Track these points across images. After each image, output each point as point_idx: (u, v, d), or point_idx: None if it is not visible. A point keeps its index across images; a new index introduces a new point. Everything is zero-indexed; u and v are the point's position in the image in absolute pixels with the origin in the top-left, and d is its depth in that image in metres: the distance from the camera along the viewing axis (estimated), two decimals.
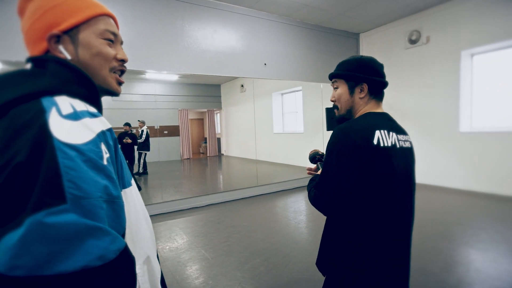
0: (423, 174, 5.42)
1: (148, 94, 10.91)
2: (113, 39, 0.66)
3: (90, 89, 0.59)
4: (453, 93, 4.87)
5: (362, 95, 1.02)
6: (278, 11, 5.05)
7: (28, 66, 0.57)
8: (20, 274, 0.35)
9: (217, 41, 4.67)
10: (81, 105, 0.51)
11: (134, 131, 7.61)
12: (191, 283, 2.33)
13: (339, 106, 1.07)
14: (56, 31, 0.58)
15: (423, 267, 2.38)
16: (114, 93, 0.68)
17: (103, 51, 0.63)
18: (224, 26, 4.74)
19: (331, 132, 6.19)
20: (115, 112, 9.61)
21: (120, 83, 0.69)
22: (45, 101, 0.47)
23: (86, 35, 0.61)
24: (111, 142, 0.53)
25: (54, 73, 0.54)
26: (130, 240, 0.57)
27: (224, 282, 2.31)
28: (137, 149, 7.43)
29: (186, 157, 11.97)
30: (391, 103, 5.89)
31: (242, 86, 10.48)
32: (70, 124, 0.46)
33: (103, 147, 0.50)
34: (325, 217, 1.03)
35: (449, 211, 3.82)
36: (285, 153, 8.55)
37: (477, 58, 4.78)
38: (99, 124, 0.52)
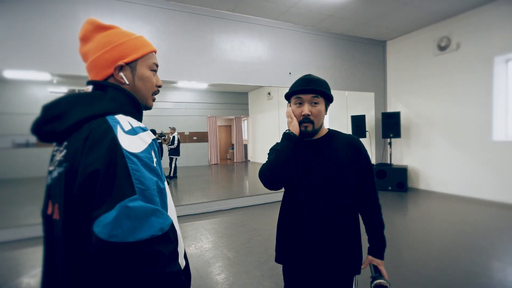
0: (452, 184, 5.22)
1: (179, 102, 11.49)
2: (156, 70, 0.86)
3: (138, 108, 0.79)
4: (485, 101, 4.69)
5: (326, 113, 1.18)
6: (303, 22, 5.21)
7: (90, 88, 0.77)
8: (116, 240, 0.54)
9: (244, 52, 4.92)
10: (134, 122, 0.70)
11: (165, 136, 8.05)
12: (213, 278, 2.51)
13: (315, 122, 1.13)
14: (122, 62, 0.78)
15: (443, 277, 2.36)
16: (149, 108, 0.89)
17: (151, 81, 0.84)
18: (251, 38, 4.98)
19: None
20: (149, 119, 10.27)
21: (153, 100, 0.90)
22: (110, 119, 0.66)
23: (141, 67, 0.81)
24: (156, 149, 0.72)
25: (113, 97, 0.73)
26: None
27: (244, 279, 2.47)
28: (168, 154, 7.85)
29: (214, 163, 12.36)
30: (419, 111, 5.76)
31: (269, 93, 10.68)
32: (130, 138, 0.65)
33: (153, 153, 0.68)
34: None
35: (478, 223, 3.68)
36: None
37: None
38: (149, 136, 0.70)
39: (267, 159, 1.18)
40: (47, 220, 0.70)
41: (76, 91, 0.79)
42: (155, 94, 0.88)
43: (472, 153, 4.92)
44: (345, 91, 6.39)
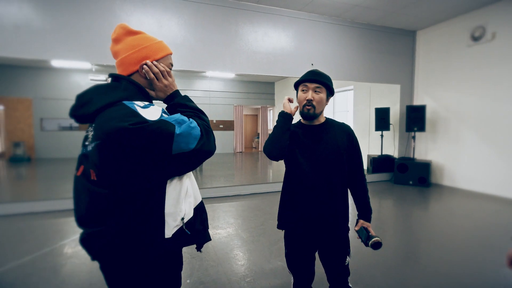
0: (479, 182, 5.03)
1: (207, 91, 11.86)
2: (171, 68, 1.07)
3: (146, 97, 1.00)
4: None
5: (327, 103, 1.43)
6: (328, 12, 5.18)
7: (109, 79, 1.00)
8: (184, 151, 0.86)
9: (267, 43, 5.03)
10: (146, 103, 0.92)
11: None
12: (225, 254, 2.77)
13: (316, 107, 1.37)
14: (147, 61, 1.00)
15: (460, 275, 2.42)
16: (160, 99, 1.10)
17: (153, 77, 1.04)
18: (275, 28, 5.07)
19: (379, 132, 6.06)
20: None
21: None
22: (127, 103, 0.88)
23: (161, 65, 1.02)
24: (167, 113, 0.96)
25: (126, 88, 0.94)
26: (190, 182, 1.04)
27: (254, 257, 2.69)
28: None
29: (238, 151, 12.71)
30: (448, 105, 5.54)
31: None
32: (147, 110, 0.88)
33: (165, 115, 0.91)
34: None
35: (503, 222, 3.59)
36: None
37: None
38: (159, 109, 0.93)
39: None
40: (76, 179, 0.94)
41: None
42: None
43: (504, 150, 4.69)
44: (368, 83, 6.29)
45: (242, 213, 4.05)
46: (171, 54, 1.07)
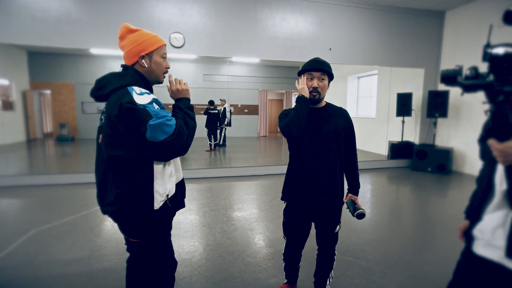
0: None
1: (232, 75, 12.12)
2: (165, 57, 1.33)
3: (146, 83, 1.28)
4: None
5: (328, 88, 1.59)
6: None
7: (121, 69, 1.29)
8: (154, 140, 1.07)
9: (285, 28, 5.13)
10: (143, 90, 1.19)
11: (218, 108, 8.71)
12: (233, 224, 3.10)
13: (321, 93, 1.54)
14: (143, 53, 1.27)
15: None
16: (161, 82, 1.36)
17: (162, 65, 1.31)
18: (293, 13, 5.14)
19: (400, 118, 5.98)
20: (205, 91, 11.17)
21: (164, 77, 1.37)
22: (129, 88, 1.16)
23: (155, 56, 1.29)
24: (159, 102, 1.20)
25: (131, 75, 1.23)
26: (174, 166, 1.30)
27: (258, 228, 2.99)
28: (219, 124, 8.56)
29: (262, 135, 12.98)
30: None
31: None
32: (140, 97, 1.14)
33: (154, 103, 1.16)
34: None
35: None
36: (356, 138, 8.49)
37: None
38: (151, 96, 1.18)
39: (283, 120, 1.56)
40: (98, 145, 1.26)
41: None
42: (165, 73, 1.36)
43: None
44: (389, 68, 6.15)
45: (255, 190, 4.36)
46: (164, 45, 1.33)
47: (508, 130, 0.71)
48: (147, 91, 1.20)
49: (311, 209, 1.58)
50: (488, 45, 0.72)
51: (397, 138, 6.64)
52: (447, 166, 5.34)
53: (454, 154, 5.64)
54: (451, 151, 5.41)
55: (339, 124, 1.56)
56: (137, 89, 1.16)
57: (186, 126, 1.21)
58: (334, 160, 1.54)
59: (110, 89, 1.18)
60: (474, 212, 0.98)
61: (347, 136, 1.60)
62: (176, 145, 1.12)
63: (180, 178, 1.37)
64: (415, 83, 6.21)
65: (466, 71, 0.79)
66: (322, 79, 1.53)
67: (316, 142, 1.53)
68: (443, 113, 5.39)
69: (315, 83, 1.52)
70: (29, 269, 2.17)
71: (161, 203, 1.22)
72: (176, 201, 1.31)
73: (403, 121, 6.19)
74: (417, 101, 6.14)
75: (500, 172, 0.85)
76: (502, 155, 0.74)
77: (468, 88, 0.79)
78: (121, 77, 1.21)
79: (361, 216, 1.53)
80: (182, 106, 1.29)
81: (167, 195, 1.25)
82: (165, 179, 1.24)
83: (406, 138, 6.40)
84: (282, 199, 1.68)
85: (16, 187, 4.38)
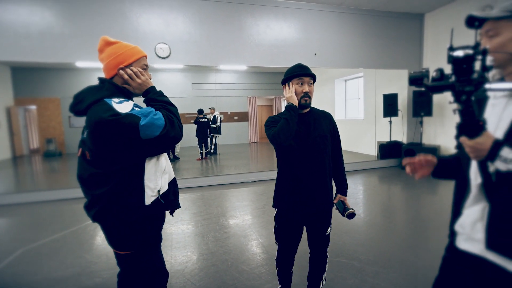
0: None
1: (221, 83, 12.15)
2: (146, 68, 1.34)
3: (125, 94, 1.27)
4: None
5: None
6: (329, 0, 5.25)
7: (98, 82, 1.28)
8: (150, 137, 1.11)
9: (269, 35, 5.21)
10: (121, 98, 1.19)
11: (208, 116, 8.67)
12: (226, 232, 3.08)
13: (311, 98, 1.55)
14: (122, 65, 1.27)
15: None
16: (140, 95, 1.36)
17: (127, 78, 1.28)
18: (276, 20, 5.23)
19: (387, 118, 6.07)
20: (194, 100, 11.16)
21: None
22: (107, 100, 1.16)
23: (135, 67, 1.29)
24: (137, 108, 1.19)
25: (108, 88, 1.22)
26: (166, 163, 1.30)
27: (251, 235, 2.98)
28: (210, 133, 8.52)
29: (253, 141, 13.00)
30: None
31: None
32: (120, 105, 1.14)
33: (136, 108, 1.16)
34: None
35: None
36: (345, 139, 8.57)
37: None
38: (131, 102, 1.19)
39: (270, 128, 1.56)
40: (79, 159, 1.25)
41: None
42: None
43: None
44: (374, 70, 6.28)
45: (247, 197, 4.35)
46: (144, 56, 1.33)
47: (477, 127, 0.74)
48: (126, 99, 1.20)
49: (303, 214, 1.58)
50: (451, 48, 0.76)
51: (385, 138, 6.76)
52: None
53: (441, 151, 5.76)
54: (438, 148, 5.52)
55: (325, 127, 1.58)
56: (115, 99, 1.16)
57: (171, 113, 1.22)
58: (324, 163, 1.56)
59: (87, 103, 1.17)
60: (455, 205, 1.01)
61: (333, 139, 1.63)
62: (171, 133, 1.16)
63: (172, 177, 1.36)
64: (400, 83, 6.36)
65: (432, 73, 0.82)
66: (311, 84, 1.55)
67: (305, 148, 1.54)
68: (428, 112, 5.52)
69: (306, 88, 1.52)
70: None
71: (152, 199, 1.21)
72: (169, 199, 1.30)
73: (390, 122, 6.31)
74: (403, 101, 6.28)
75: (474, 167, 0.88)
76: (473, 151, 0.77)
77: (432, 89, 0.82)
78: (97, 90, 1.21)
79: (351, 215, 1.55)
80: (155, 97, 1.28)
81: (159, 191, 1.24)
82: (157, 175, 1.23)
83: (394, 138, 6.51)
84: (273, 206, 1.67)
85: (2, 206, 4.26)
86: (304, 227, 1.67)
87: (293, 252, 1.71)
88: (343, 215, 1.57)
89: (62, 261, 2.52)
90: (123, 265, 1.33)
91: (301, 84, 1.53)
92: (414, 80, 0.88)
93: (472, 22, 0.88)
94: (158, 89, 1.32)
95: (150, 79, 1.36)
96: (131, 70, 1.26)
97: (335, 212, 1.67)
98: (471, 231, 0.90)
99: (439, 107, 5.77)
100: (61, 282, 2.20)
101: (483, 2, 4.86)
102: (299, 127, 1.54)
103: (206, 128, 8.15)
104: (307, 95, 1.53)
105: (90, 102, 1.17)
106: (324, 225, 1.62)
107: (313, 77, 1.55)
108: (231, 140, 12.46)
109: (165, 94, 1.33)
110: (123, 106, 1.13)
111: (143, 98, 1.32)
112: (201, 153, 8.01)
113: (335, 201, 1.65)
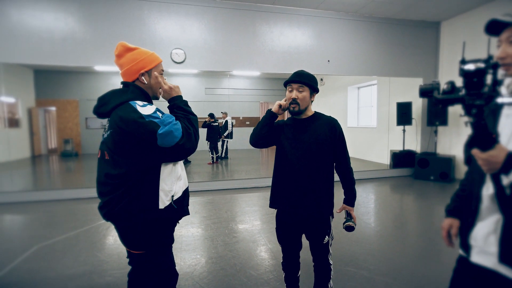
0: None
1: (233, 88, 12.28)
2: (162, 73, 1.39)
3: (147, 97, 1.33)
4: None
5: (312, 99, 1.60)
6: (344, 8, 5.26)
7: (121, 86, 1.34)
8: (167, 146, 1.16)
9: (283, 42, 5.25)
10: (145, 102, 1.25)
11: (219, 121, 8.77)
12: (235, 236, 3.10)
13: (300, 104, 1.54)
14: (143, 71, 1.33)
15: None
16: (157, 98, 1.42)
17: (160, 81, 1.37)
18: (290, 27, 5.27)
19: (401, 127, 5.99)
20: (207, 104, 11.30)
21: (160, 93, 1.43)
22: (132, 103, 1.21)
23: (154, 73, 1.35)
24: (160, 111, 1.24)
25: (132, 91, 1.28)
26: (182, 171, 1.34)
27: (260, 240, 2.99)
28: (219, 137, 8.57)
29: None
30: None
31: (321, 79, 10.60)
32: (144, 108, 1.19)
33: (158, 112, 1.21)
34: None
35: None
36: (357, 147, 8.50)
37: None
38: (154, 106, 1.24)
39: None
40: (99, 160, 1.30)
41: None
42: (161, 89, 1.41)
43: None
44: (387, 77, 6.22)
45: (256, 202, 4.36)
46: (161, 62, 1.40)
47: (489, 140, 0.74)
48: (149, 103, 1.27)
49: (295, 218, 1.58)
50: (463, 61, 0.76)
51: (398, 147, 6.65)
52: (449, 174, 5.31)
53: (456, 162, 5.62)
54: (453, 159, 5.39)
55: (320, 133, 1.55)
56: (139, 102, 1.22)
57: (190, 124, 1.26)
58: (317, 170, 1.54)
59: (112, 105, 1.23)
60: (457, 212, 1.01)
61: (335, 146, 1.58)
62: (187, 145, 1.20)
63: (186, 185, 1.41)
64: (414, 92, 6.26)
65: (443, 86, 0.82)
66: (301, 91, 1.54)
67: (296, 152, 1.55)
68: (444, 121, 5.41)
69: (293, 94, 1.54)
70: (32, 286, 2.18)
71: (167, 203, 1.26)
72: (182, 205, 1.35)
73: (404, 130, 6.21)
74: (417, 110, 6.18)
75: (487, 179, 0.88)
76: (486, 164, 0.76)
77: (442, 102, 0.82)
78: (122, 93, 1.27)
79: (349, 228, 1.52)
80: (180, 104, 1.33)
81: (172, 196, 1.28)
82: (172, 180, 1.28)
83: (408, 147, 6.40)
84: (270, 206, 1.68)
85: (20, 203, 4.42)
86: (304, 235, 1.67)
87: (295, 255, 1.72)
88: (342, 226, 1.55)
89: (75, 258, 2.59)
90: (135, 264, 1.37)
91: (291, 90, 1.56)
92: (425, 92, 0.88)
93: (494, 27, 0.88)
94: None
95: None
96: (164, 80, 1.37)
97: (339, 222, 1.64)
98: (484, 244, 0.89)
99: (454, 116, 5.65)
100: (74, 279, 2.26)
101: (501, 11, 4.76)
102: (294, 132, 1.58)
103: (217, 132, 8.24)
104: (295, 101, 1.54)
105: (115, 105, 1.23)
106: (320, 234, 1.59)
107: (306, 84, 1.54)
108: (243, 145, 12.51)
109: None
110: (146, 110, 1.19)
111: (168, 104, 1.38)
112: (212, 157, 8.08)
113: (338, 211, 1.63)
